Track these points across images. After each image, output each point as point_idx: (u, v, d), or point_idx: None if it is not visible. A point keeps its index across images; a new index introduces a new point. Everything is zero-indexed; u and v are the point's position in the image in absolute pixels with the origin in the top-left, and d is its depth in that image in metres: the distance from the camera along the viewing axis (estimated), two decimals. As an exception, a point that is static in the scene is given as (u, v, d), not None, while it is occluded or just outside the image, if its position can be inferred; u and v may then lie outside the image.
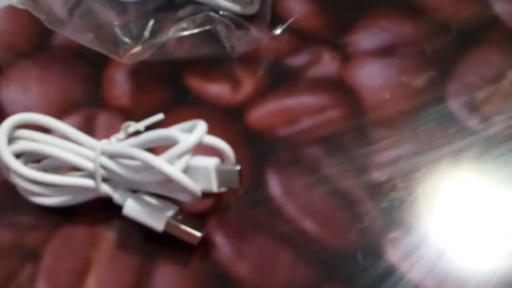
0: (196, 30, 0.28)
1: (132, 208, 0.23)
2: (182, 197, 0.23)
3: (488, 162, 0.25)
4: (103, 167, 0.22)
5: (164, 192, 0.23)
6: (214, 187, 0.22)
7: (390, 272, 0.23)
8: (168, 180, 0.21)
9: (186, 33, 0.28)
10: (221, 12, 0.29)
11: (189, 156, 0.22)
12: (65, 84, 0.30)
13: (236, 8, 0.29)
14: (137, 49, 0.28)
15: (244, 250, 0.24)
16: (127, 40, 0.28)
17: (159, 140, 0.23)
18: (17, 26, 0.32)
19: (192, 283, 0.23)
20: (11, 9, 0.31)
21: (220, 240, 0.24)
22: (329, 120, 0.27)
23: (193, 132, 0.22)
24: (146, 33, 0.28)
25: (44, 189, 0.24)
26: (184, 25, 0.28)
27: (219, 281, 0.23)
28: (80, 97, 0.29)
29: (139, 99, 0.29)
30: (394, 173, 0.25)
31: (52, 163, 0.24)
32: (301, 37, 0.30)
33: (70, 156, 0.23)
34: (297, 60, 0.29)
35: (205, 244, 0.24)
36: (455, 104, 0.27)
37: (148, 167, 0.21)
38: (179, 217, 0.23)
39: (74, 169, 0.24)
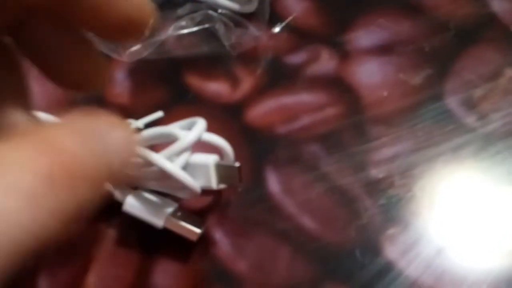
0: (195, 28, 0.28)
1: (132, 205, 0.23)
2: (182, 194, 0.23)
3: (485, 159, 0.26)
4: None
5: (163, 189, 0.23)
6: (213, 184, 0.23)
7: (388, 268, 0.23)
8: (168, 177, 0.21)
9: (185, 31, 0.28)
10: (219, 10, 0.29)
11: (189, 153, 0.22)
12: (64, 82, 0.30)
13: (235, 6, 0.29)
14: (136, 47, 0.28)
15: (243, 247, 0.24)
16: (126, 38, 0.28)
17: (159, 138, 0.23)
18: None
19: (192, 279, 0.23)
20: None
21: (220, 237, 0.24)
22: (328, 117, 0.27)
23: (192, 129, 0.22)
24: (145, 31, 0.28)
25: None
26: (183, 23, 0.28)
27: (219, 278, 0.23)
28: (79, 95, 0.29)
29: (139, 97, 0.29)
30: (392, 170, 0.25)
31: None
32: (299, 35, 0.30)
33: None
34: (295, 58, 0.29)
35: (205, 241, 0.24)
36: (452, 102, 0.27)
37: (148, 164, 0.22)
38: (179, 213, 0.23)
39: None
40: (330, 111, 0.28)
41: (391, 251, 0.23)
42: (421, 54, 0.29)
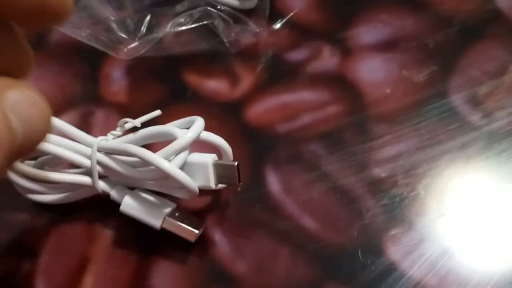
0: (193, 25, 0.28)
1: (129, 205, 0.23)
2: (180, 194, 0.23)
3: (490, 157, 0.25)
4: (100, 163, 0.22)
5: (161, 189, 0.23)
6: (212, 183, 0.22)
7: (391, 269, 0.22)
8: (166, 177, 0.21)
9: (183, 28, 0.28)
10: (219, 7, 0.28)
11: (187, 152, 0.22)
12: (61, 81, 0.29)
13: (234, 2, 0.29)
14: (134, 44, 0.28)
15: (243, 247, 0.24)
16: (123, 35, 0.28)
17: (157, 136, 0.22)
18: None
19: (190, 280, 0.23)
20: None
21: (219, 237, 0.24)
22: (329, 115, 0.27)
23: (190, 128, 0.21)
24: (143, 29, 0.28)
25: (40, 186, 0.24)
26: (181, 20, 0.28)
27: (218, 278, 0.23)
28: (77, 93, 0.29)
29: (136, 95, 0.29)
30: (395, 169, 0.25)
31: (48, 160, 0.24)
32: (300, 32, 0.30)
33: (66, 152, 0.23)
34: (296, 55, 0.29)
35: (204, 241, 0.24)
36: (457, 99, 0.27)
37: (145, 164, 0.21)
38: (177, 214, 0.23)
39: (71, 166, 0.24)
40: (332, 109, 0.27)
41: (394, 251, 0.23)
42: (425, 50, 0.29)
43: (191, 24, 0.28)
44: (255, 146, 0.26)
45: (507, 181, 0.24)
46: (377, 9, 0.30)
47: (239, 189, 0.25)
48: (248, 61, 0.29)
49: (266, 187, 0.25)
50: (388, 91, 0.27)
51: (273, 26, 0.30)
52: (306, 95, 0.28)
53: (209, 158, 0.22)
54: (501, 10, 0.30)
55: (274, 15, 0.30)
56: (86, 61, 0.30)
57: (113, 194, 0.23)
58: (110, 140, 0.23)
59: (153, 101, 0.28)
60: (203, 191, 0.23)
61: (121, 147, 0.22)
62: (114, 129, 0.24)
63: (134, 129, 0.24)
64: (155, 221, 0.22)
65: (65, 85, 0.29)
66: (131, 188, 0.23)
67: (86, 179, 0.23)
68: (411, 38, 0.29)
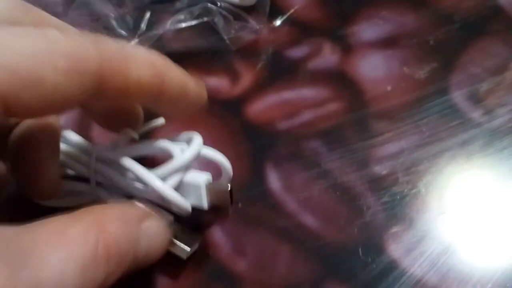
0: (193, 22, 0.28)
1: None
2: (174, 209, 0.22)
3: (491, 154, 0.25)
4: (98, 172, 0.22)
5: (158, 201, 0.22)
6: (204, 204, 0.22)
7: (391, 267, 0.22)
8: (159, 196, 0.21)
9: (183, 25, 0.28)
10: (219, 4, 0.28)
11: (183, 173, 0.21)
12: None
13: (235, -1, 0.29)
14: (133, 41, 0.28)
15: (243, 245, 0.24)
16: (123, 32, 0.28)
17: (154, 151, 0.22)
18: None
19: (191, 278, 0.23)
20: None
21: (219, 235, 0.24)
22: (330, 113, 0.27)
23: (189, 147, 0.21)
24: (143, 25, 0.28)
25: None
26: (181, 17, 0.28)
27: (218, 277, 0.23)
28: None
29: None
30: (396, 166, 0.25)
31: None
32: (301, 29, 0.30)
33: (64, 159, 0.22)
34: (297, 52, 0.29)
35: (204, 239, 0.24)
36: (458, 96, 0.27)
37: (140, 180, 0.21)
38: (173, 227, 0.22)
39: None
40: (332, 106, 0.27)
41: (395, 249, 0.23)
42: (426, 47, 0.29)
43: (191, 21, 0.28)
44: (255, 143, 0.26)
45: (508, 178, 0.24)
46: (377, 6, 0.30)
47: (231, 212, 0.24)
48: (248, 58, 0.29)
49: (266, 185, 0.25)
50: (389, 88, 0.27)
51: (274, 23, 0.30)
52: (306, 92, 0.28)
53: (203, 179, 0.21)
54: (502, 6, 0.30)
55: (275, 12, 0.30)
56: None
57: (111, 202, 0.23)
58: (109, 149, 0.23)
59: (153, 98, 0.28)
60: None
61: (118, 160, 0.21)
62: (116, 137, 0.24)
63: (132, 141, 0.23)
64: None
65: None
66: (129, 197, 0.23)
67: (84, 187, 0.23)
68: (412, 35, 0.29)
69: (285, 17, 0.30)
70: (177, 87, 0.19)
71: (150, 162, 0.22)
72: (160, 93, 0.18)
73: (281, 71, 0.28)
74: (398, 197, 0.24)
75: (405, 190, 0.24)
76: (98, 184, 0.23)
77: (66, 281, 0.15)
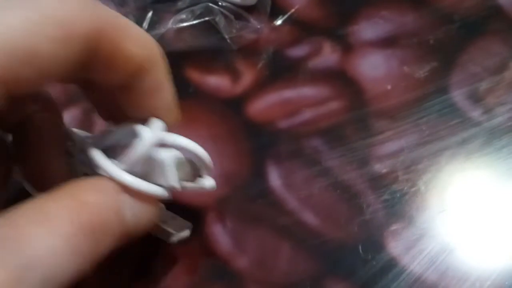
0: (195, 22, 0.28)
1: None
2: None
3: (491, 153, 0.25)
4: (81, 163, 0.21)
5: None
6: (173, 183, 0.19)
7: (391, 264, 0.23)
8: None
9: (185, 24, 0.28)
10: (220, 3, 0.28)
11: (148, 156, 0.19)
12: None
13: (236, -2, 0.29)
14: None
15: (244, 242, 0.24)
16: (125, 31, 0.28)
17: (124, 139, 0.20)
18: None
19: (192, 275, 0.23)
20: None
21: (220, 233, 0.24)
22: (330, 111, 0.27)
23: (150, 129, 0.19)
24: (145, 25, 0.28)
25: None
26: (183, 16, 0.28)
27: (219, 274, 0.23)
28: (78, 90, 0.29)
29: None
30: (396, 165, 0.25)
31: None
32: (301, 28, 0.30)
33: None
34: (297, 51, 0.29)
35: (205, 236, 0.24)
36: (458, 95, 0.27)
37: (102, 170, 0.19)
38: (163, 213, 0.22)
39: None
40: (333, 105, 0.27)
41: (395, 247, 0.23)
42: (426, 46, 0.29)
43: (192, 21, 0.28)
44: (256, 141, 0.26)
45: (508, 177, 0.25)
46: (377, 5, 0.30)
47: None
48: (249, 57, 0.29)
49: (267, 183, 0.25)
50: (389, 87, 0.27)
51: (274, 22, 0.30)
52: (307, 91, 0.28)
53: (168, 156, 0.19)
54: (502, 6, 0.30)
55: (275, 12, 0.30)
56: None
57: None
58: (86, 138, 0.22)
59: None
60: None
61: (85, 149, 0.20)
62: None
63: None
64: None
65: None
66: None
67: None
68: (412, 34, 0.29)
69: (285, 16, 0.30)
70: (158, 80, 0.18)
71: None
72: (142, 77, 0.18)
73: (281, 70, 0.28)
74: (398, 195, 0.24)
75: (405, 188, 0.24)
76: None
77: (55, 256, 0.14)
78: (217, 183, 0.22)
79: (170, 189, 0.19)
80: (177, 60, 0.29)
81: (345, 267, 0.23)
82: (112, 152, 0.19)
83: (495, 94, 0.27)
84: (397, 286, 0.22)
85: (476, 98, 0.27)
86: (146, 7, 0.29)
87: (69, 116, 0.26)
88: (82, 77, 0.17)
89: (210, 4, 0.28)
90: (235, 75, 0.29)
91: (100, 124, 0.27)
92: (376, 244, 0.23)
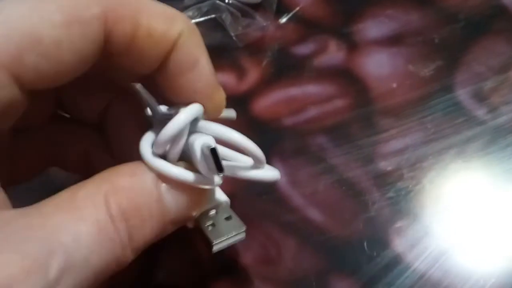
0: (201, 19, 0.28)
1: None
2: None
3: (495, 152, 0.25)
4: None
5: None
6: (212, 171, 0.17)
7: (396, 261, 0.23)
8: None
9: (192, 21, 0.28)
10: (226, 1, 0.29)
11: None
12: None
13: (242, -4, 0.29)
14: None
15: (249, 239, 0.24)
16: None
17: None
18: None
19: (197, 271, 0.23)
20: None
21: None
22: (335, 109, 0.27)
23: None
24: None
25: None
26: (189, 13, 0.28)
27: (225, 270, 0.23)
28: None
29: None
30: (401, 162, 0.25)
31: None
32: (307, 26, 0.30)
33: None
34: (303, 49, 0.29)
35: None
36: (462, 94, 0.27)
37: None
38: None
39: None
40: (338, 103, 0.27)
41: (399, 244, 0.23)
42: (431, 45, 0.29)
43: (199, 18, 0.28)
44: (261, 139, 0.26)
45: (511, 175, 0.25)
46: (383, 4, 0.30)
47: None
48: (255, 55, 0.29)
49: (272, 180, 0.25)
50: (394, 85, 0.28)
51: (280, 20, 0.30)
52: (312, 89, 0.28)
53: (200, 141, 0.17)
54: (506, 6, 0.30)
55: (281, 9, 0.30)
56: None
57: None
58: None
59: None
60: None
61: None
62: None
63: None
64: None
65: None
66: None
67: None
68: (417, 33, 0.29)
69: (291, 14, 0.30)
70: (191, 53, 0.17)
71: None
72: (173, 55, 0.16)
73: (287, 68, 0.29)
74: (402, 193, 0.24)
75: (410, 186, 0.24)
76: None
77: (79, 243, 0.14)
78: (223, 180, 0.22)
79: (210, 178, 0.17)
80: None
81: (350, 263, 0.23)
82: None
83: (499, 93, 0.27)
84: (402, 283, 0.22)
85: (480, 97, 0.27)
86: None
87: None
88: (112, 66, 0.16)
89: (217, 2, 0.28)
90: (240, 72, 0.29)
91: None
92: (380, 241, 0.23)
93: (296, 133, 0.26)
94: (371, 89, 0.28)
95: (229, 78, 0.29)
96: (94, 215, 0.14)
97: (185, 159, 0.18)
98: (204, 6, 0.28)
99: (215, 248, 0.19)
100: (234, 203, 0.25)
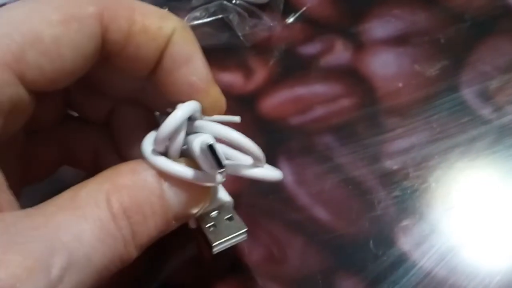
0: (209, 19, 0.28)
1: None
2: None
3: (500, 151, 0.25)
4: None
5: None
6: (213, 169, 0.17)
7: (402, 260, 0.23)
8: None
9: (199, 22, 0.28)
10: (234, 1, 0.29)
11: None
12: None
13: (249, -4, 0.29)
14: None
15: (255, 237, 0.24)
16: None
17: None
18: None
19: (204, 269, 0.23)
20: None
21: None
22: (342, 108, 0.27)
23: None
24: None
25: None
26: (197, 14, 0.28)
27: (231, 269, 0.23)
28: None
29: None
30: (406, 161, 0.25)
31: None
32: (314, 26, 0.30)
33: None
34: (309, 49, 0.29)
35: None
36: (468, 93, 0.27)
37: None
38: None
39: None
40: (344, 102, 0.27)
41: (405, 242, 0.23)
42: (437, 45, 0.29)
43: (206, 18, 0.28)
44: (268, 138, 0.27)
45: (517, 174, 0.25)
46: (389, 4, 0.31)
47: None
48: (262, 55, 0.29)
49: (279, 178, 0.25)
50: (400, 84, 0.28)
51: (287, 20, 0.30)
52: (319, 88, 0.28)
53: (199, 140, 0.17)
54: (511, 6, 0.30)
55: (288, 9, 0.30)
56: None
57: None
58: None
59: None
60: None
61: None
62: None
63: None
64: None
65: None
66: None
67: None
68: (423, 33, 0.29)
69: (298, 14, 0.30)
70: (185, 50, 0.17)
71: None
72: (168, 50, 0.17)
73: (294, 67, 0.29)
74: (408, 192, 0.24)
75: (416, 185, 0.25)
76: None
77: (81, 241, 0.14)
78: (229, 178, 0.21)
79: (211, 175, 0.17)
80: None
81: (356, 262, 0.23)
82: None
83: (505, 93, 0.27)
84: (407, 281, 0.22)
85: (486, 97, 0.27)
86: (161, 5, 0.29)
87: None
88: (111, 69, 0.17)
89: (225, 2, 0.28)
90: (247, 72, 0.29)
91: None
92: (386, 240, 0.23)
93: (303, 132, 0.27)
94: (377, 89, 0.28)
95: (236, 77, 0.29)
96: (96, 214, 0.15)
97: (188, 158, 0.18)
98: (212, 6, 0.28)
99: (216, 249, 0.19)
100: (240, 202, 0.25)
